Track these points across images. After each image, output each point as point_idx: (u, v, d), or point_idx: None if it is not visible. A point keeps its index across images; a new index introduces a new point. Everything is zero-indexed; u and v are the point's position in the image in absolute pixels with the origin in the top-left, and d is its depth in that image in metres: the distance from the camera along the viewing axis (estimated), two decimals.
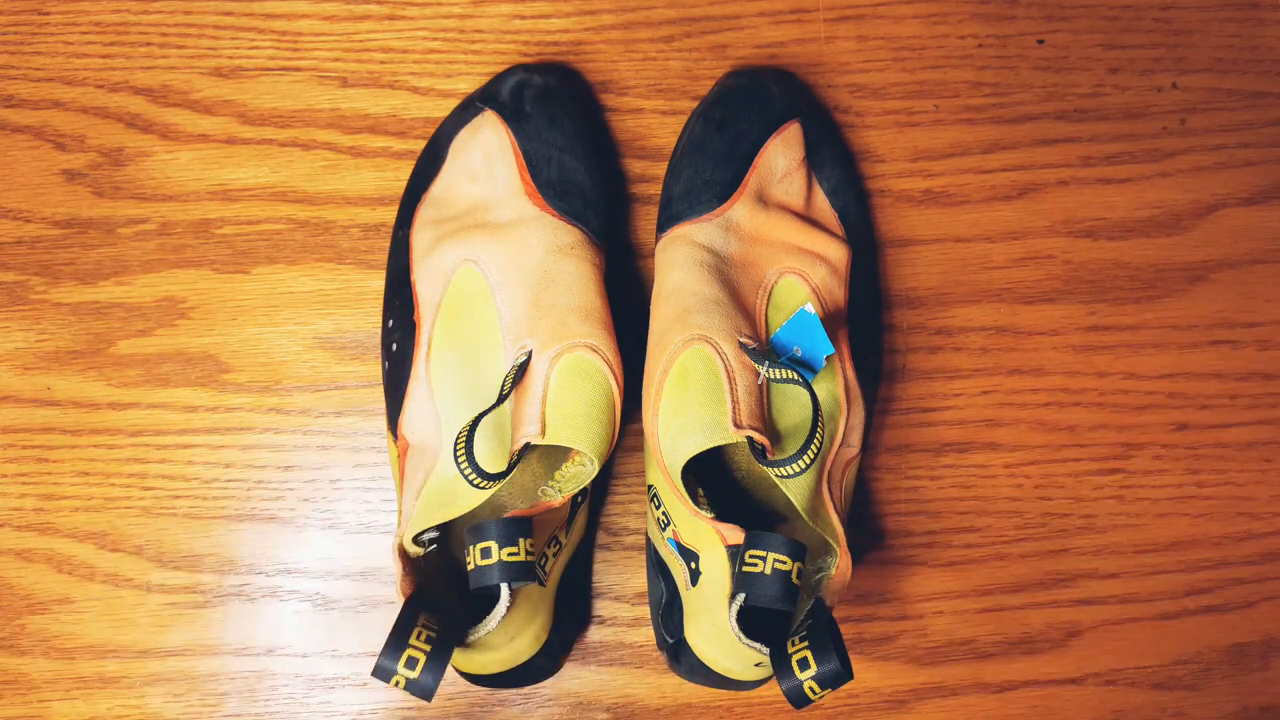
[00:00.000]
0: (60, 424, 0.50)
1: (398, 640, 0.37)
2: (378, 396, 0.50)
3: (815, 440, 0.38)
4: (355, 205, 0.51)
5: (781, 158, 0.47)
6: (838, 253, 0.47)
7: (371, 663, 0.50)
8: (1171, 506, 0.52)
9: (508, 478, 0.39)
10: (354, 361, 0.51)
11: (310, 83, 0.51)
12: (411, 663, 0.37)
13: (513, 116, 0.46)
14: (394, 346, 0.46)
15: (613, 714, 0.51)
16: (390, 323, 0.46)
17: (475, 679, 0.44)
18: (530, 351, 0.41)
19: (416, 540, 0.41)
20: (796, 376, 0.39)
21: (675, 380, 0.41)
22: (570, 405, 0.40)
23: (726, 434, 0.40)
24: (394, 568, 0.43)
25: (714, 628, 0.42)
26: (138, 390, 0.50)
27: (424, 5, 0.51)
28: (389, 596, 0.50)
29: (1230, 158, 0.53)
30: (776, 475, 0.39)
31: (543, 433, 0.40)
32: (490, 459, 0.42)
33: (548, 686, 0.51)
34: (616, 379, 0.42)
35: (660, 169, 0.51)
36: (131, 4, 0.51)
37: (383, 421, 0.50)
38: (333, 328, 0.51)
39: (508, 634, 0.42)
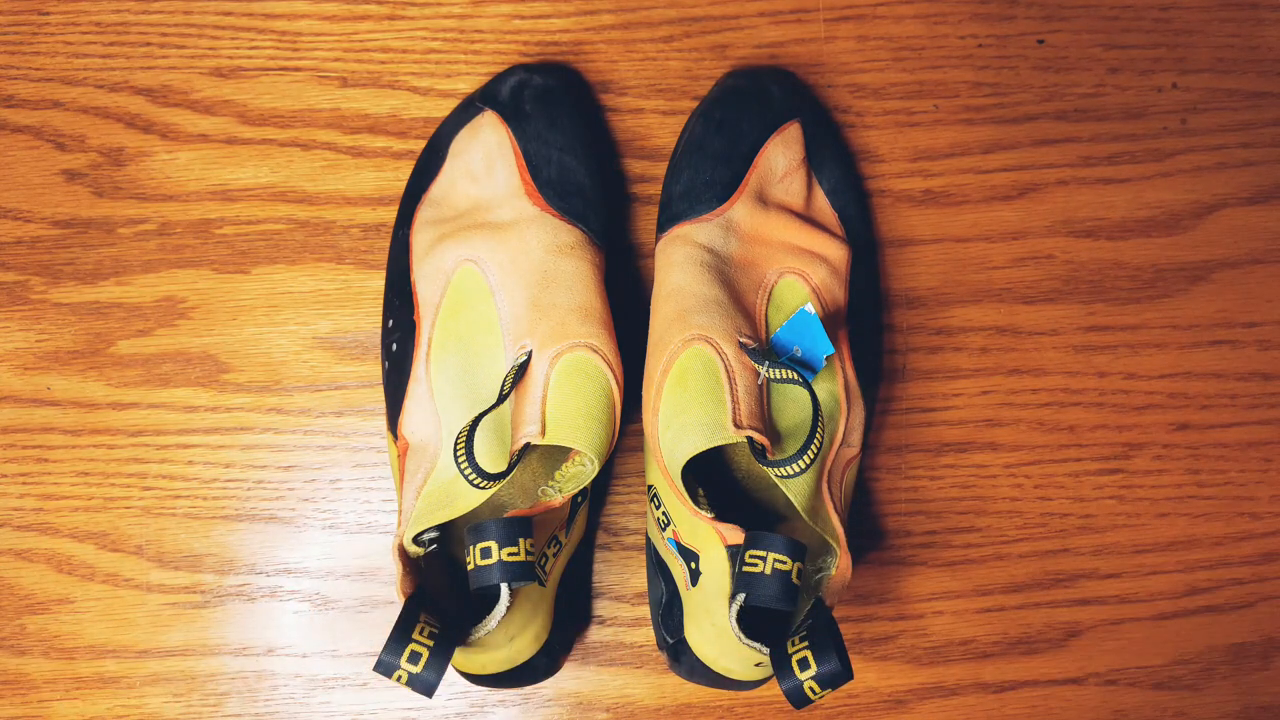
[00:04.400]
0: (60, 424, 0.50)
1: (401, 636, 0.37)
2: (378, 396, 0.50)
3: (815, 440, 0.38)
4: (355, 205, 0.51)
5: (781, 158, 0.47)
6: (838, 253, 0.47)
7: (371, 662, 0.50)
8: (1171, 506, 0.52)
9: (508, 478, 0.39)
10: (354, 361, 0.51)
11: (310, 83, 0.51)
12: (414, 658, 0.37)
13: (513, 116, 0.46)
14: (394, 346, 0.46)
15: (613, 714, 0.51)
16: (390, 323, 0.46)
17: (475, 679, 0.44)
18: (530, 351, 0.41)
19: (416, 540, 0.41)
20: (796, 376, 0.39)
21: (675, 380, 0.41)
22: (570, 405, 0.40)
23: (726, 434, 0.40)
24: (394, 568, 0.43)
25: (714, 628, 0.42)
26: (138, 390, 0.50)
27: (424, 5, 0.51)
28: (389, 596, 0.50)
29: (1230, 157, 0.53)
30: (776, 475, 0.39)
31: (543, 433, 0.40)
32: (490, 459, 0.42)
33: (548, 686, 0.51)
34: (616, 379, 0.42)
35: (660, 169, 0.51)
36: (131, 4, 0.51)
37: (383, 421, 0.50)
38: (333, 328, 0.51)
39: (508, 634, 0.42)
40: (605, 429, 0.41)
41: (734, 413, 0.40)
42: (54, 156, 0.50)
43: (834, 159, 0.49)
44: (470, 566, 0.38)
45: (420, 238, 0.46)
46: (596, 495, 0.51)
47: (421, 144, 0.50)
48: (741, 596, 0.39)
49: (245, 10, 0.51)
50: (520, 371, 0.41)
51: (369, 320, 0.51)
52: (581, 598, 0.51)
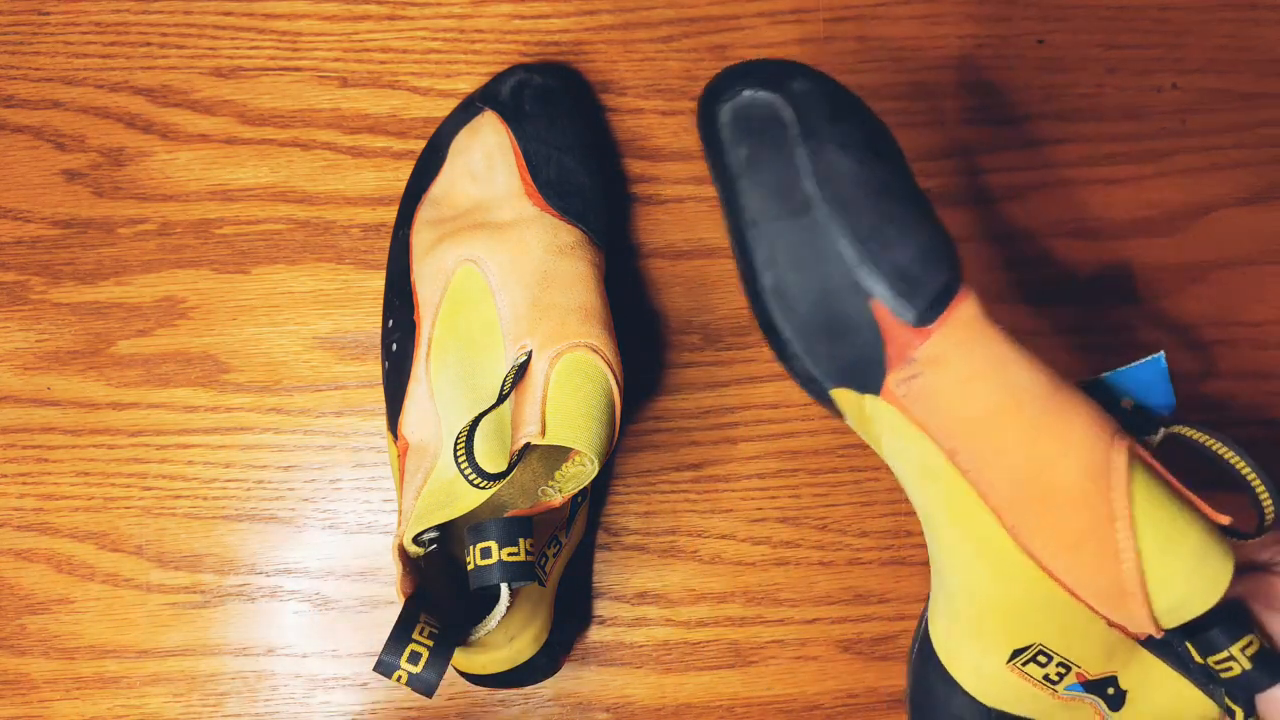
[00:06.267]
0: (60, 424, 0.50)
1: (401, 636, 0.37)
2: (378, 396, 0.50)
3: (1267, 497, 0.36)
4: (355, 205, 0.51)
5: None
6: None
7: (371, 662, 0.50)
8: None
9: (508, 478, 0.39)
10: (354, 361, 0.51)
11: (310, 83, 0.51)
12: (414, 657, 0.37)
13: (513, 116, 0.46)
14: (394, 346, 0.46)
15: (613, 714, 0.51)
16: (390, 323, 0.46)
17: (475, 679, 0.44)
18: (530, 351, 0.41)
19: (416, 540, 0.41)
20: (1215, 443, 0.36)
21: (1149, 498, 0.35)
22: (570, 405, 0.40)
23: (1228, 547, 0.35)
24: (394, 568, 0.43)
25: None
26: (138, 390, 0.50)
27: (424, 5, 0.51)
28: (389, 596, 0.50)
29: (1228, 158, 0.53)
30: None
31: (543, 433, 0.40)
32: (490, 459, 0.42)
33: (548, 686, 0.51)
34: (616, 379, 0.42)
35: (660, 169, 0.51)
36: (131, 4, 0.51)
37: (383, 421, 0.50)
38: (333, 328, 0.51)
39: (508, 634, 0.42)
40: (605, 429, 0.41)
41: (1203, 510, 0.34)
42: (54, 156, 0.50)
43: None
44: (470, 566, 0.38)
45: (420, 238, 0.46)
46: (596, 495, 0.51)
47: (421, 144, 0.50)
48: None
49: (245, 10, 0.51)
50: (520, 371, 0.41)
51: (369, 320, 0.51)
52: (581, 598, 0.51)
